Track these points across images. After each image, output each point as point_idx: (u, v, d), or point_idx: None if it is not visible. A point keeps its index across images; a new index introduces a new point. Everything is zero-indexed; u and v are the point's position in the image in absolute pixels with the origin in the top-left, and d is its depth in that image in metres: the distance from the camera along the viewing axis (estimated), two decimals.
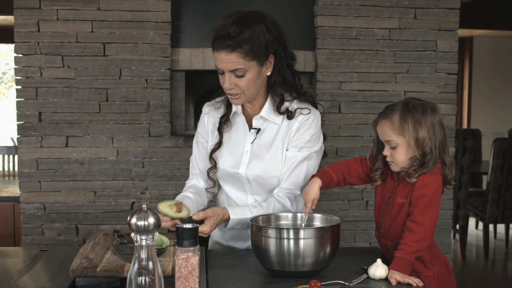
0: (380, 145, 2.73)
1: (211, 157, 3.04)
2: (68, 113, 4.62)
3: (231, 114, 3.01)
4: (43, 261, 2.76)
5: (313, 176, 2.78)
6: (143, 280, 1.85)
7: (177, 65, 4.77)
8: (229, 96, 2.89)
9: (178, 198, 2.99)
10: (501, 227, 8.48)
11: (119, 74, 4.65)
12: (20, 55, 4.60)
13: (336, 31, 4.83)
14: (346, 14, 4.82)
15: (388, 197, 2.74)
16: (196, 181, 3.15)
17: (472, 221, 8.59)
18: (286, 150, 2.92)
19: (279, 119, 2.93)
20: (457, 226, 7.61)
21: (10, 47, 10.47)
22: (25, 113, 4.61)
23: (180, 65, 4.78)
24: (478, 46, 11.10)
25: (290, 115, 2.91)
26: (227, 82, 2.81)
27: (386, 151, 2.66)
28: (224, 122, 3.03)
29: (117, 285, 2.38)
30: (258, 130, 2.96)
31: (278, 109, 2.91)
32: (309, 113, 2.92)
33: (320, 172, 2.80)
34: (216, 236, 3.17)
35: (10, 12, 4.72)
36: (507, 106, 10.96)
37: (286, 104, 2.93)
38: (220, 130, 3.03)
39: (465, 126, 11.02)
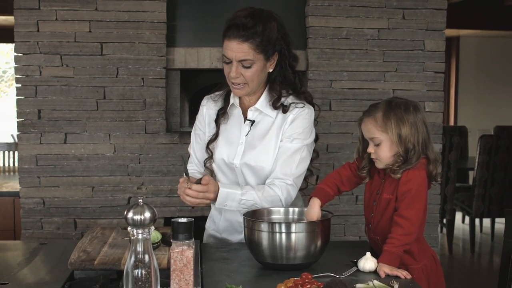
0: (365, 143, 2.75)
1: (208, 148, 3.06)
2: (66, 110, 4.62)
3: (229, 107, 3.03)
4: (43, 254, 2.77)
5: (311, 197, 2.78)
6: (139, 273, 1.86)
7: (172, 64, 4.77)
8: (232, 86, 2.90)
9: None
10: (486, 221, 8.51)
11: (116, 73, 4.65)
12: (20, 54, 4.59)
13: (326, 31, 4.83)
14: (336, 14, 4.82)
15: (375, 193, 2.75)
16: (196, 168, 3.20)
17: (458, 215, 8.61)
18: (280, 141, 2.94)
19: (273, 112, 2.95)
20: (444, 220, 7.63)
21: (11, 46, 10.46)
22: (25, 110, 4.60)
23: (176, 64, 4.77)
24: (464, 45, 11.13)
25: (285, 108, 2.93)
26: (233, 71, 2.83)
27: (371, 148, 2.68)
28: (222, 114, 3.05)
29: (114, 278, 2.38)
30: (253, 122, 2.97)
31: (274, 105, 2.93)
32: (303, 106, 2.94)
33: (317, 191, 2.79)
34: (210, 229, 3.18)
35: (10, 13, 4.71)
36: (493, 103, 10.99)
37: (282, 99, 2.95)
38: (217, 122, 3.06)
39: (452, 123, 11.05)
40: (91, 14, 4.60)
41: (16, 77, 4.61)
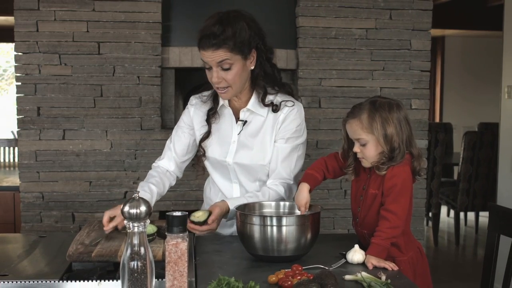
0: (350, 142, 2.73)
1: (200, 146, 3.04)
2: (65, 107, 4.61)
3: (219, 107, 3.01)
4: (42, 246, 2.76)
5: (300, 182, 2.78)
6: (135, 265, 1.85)
7: (167, 62, 4.76)
8: (218, 91, 2.88)
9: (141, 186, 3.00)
10: (471, 215, 8.53)
11: (113, 71, 4.64)
12: (20, 53, 4.59)
13: (316, 31, 4.83)
14: (325, 15, 4.82)
15: (362, 188, 2.75)
16: (168, 163, 3.12)
17: (444, 209, 8.63)
18: (274, 142, 2.93)
19: (264, 111, 2.93)
20: (430, 214, 7.64)
21: (11, 45, 10.43)
22: (25, 107, 4.59)
23: (170, 62, 4.77)
24: (449, 45, 11.16)
25: (275, 108, 2.91)
26: (215, 76, 2.80)
27: (357, 148, 2.66)
28: (212, 114, 3.03)
29: (111, 269, 2.38)
30: (245, 122, 2.96)
31: (263, 101, 2.92)
32: (293, 105, 2.93)
33: (305, 177, 2.79)
34: None
35: (10, 13, 4.70)
36: (477, 101, 11.01)
37: (271, 97, 2.93)
38: (209, 121, 3.03)
39: (437, 120, 11.07)
40: (89, 15, 4.59)
41: (16, 76, 4.61)
